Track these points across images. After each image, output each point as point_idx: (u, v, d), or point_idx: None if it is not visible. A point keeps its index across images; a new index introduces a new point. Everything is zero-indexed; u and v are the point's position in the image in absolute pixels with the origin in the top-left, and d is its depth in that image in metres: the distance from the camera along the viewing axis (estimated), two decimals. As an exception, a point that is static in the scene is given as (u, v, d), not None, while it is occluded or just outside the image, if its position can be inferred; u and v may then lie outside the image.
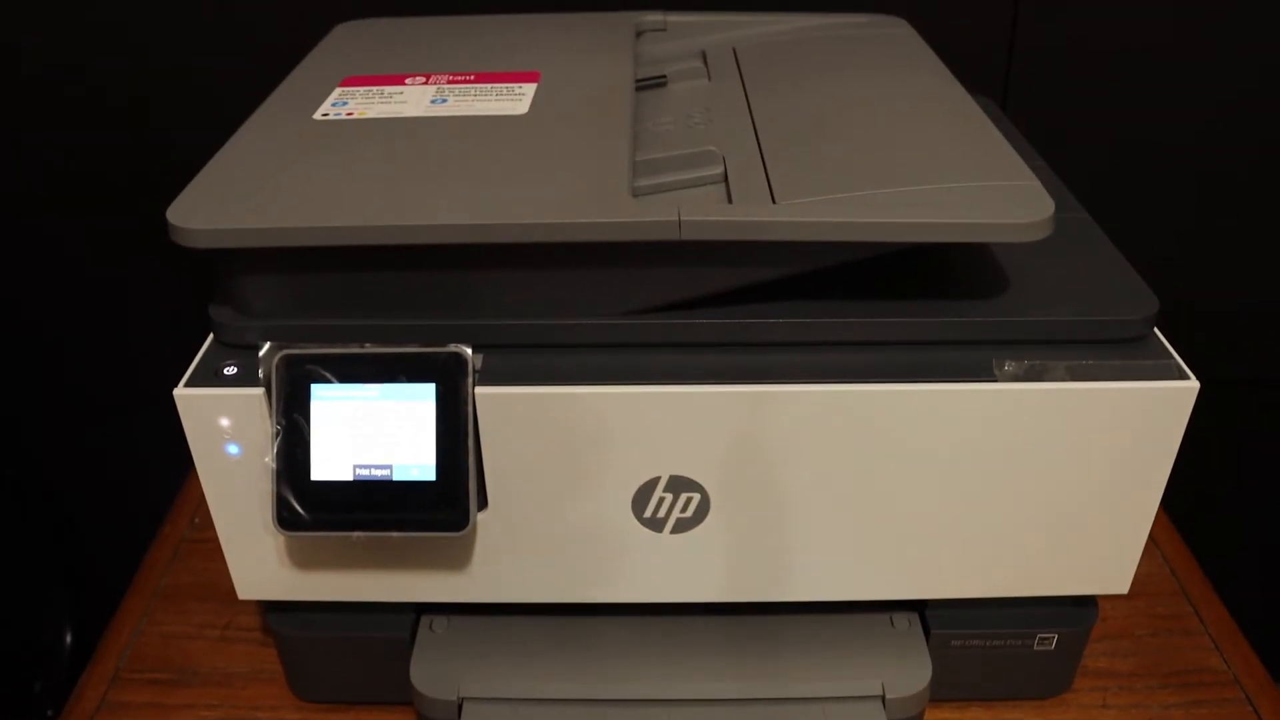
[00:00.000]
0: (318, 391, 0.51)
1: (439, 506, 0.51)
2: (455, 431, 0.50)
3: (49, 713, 1.00)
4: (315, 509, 0.51)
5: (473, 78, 0.64)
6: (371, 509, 0.51)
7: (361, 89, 0.63)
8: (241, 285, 0.52)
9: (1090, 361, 0.51)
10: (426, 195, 0.51)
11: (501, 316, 0.52)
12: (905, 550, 0.56)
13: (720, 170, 0.56)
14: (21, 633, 1.04)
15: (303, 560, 0.56)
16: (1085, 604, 0.61)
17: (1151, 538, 0.72)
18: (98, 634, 0.71)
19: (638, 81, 0.66)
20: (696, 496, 0.53)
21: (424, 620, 0.62)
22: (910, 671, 0.59)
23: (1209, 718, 0.64)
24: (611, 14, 0.77)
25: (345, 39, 0.73)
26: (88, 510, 1.20)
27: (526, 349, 0.52)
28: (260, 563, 0.56)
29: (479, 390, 0.50)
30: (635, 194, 0.52)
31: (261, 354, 0.51)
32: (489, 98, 0.61)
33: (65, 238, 1.02)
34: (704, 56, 0.73)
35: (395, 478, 0.51)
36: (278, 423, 0.51)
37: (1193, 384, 0.50)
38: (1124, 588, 0.58)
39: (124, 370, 1.07)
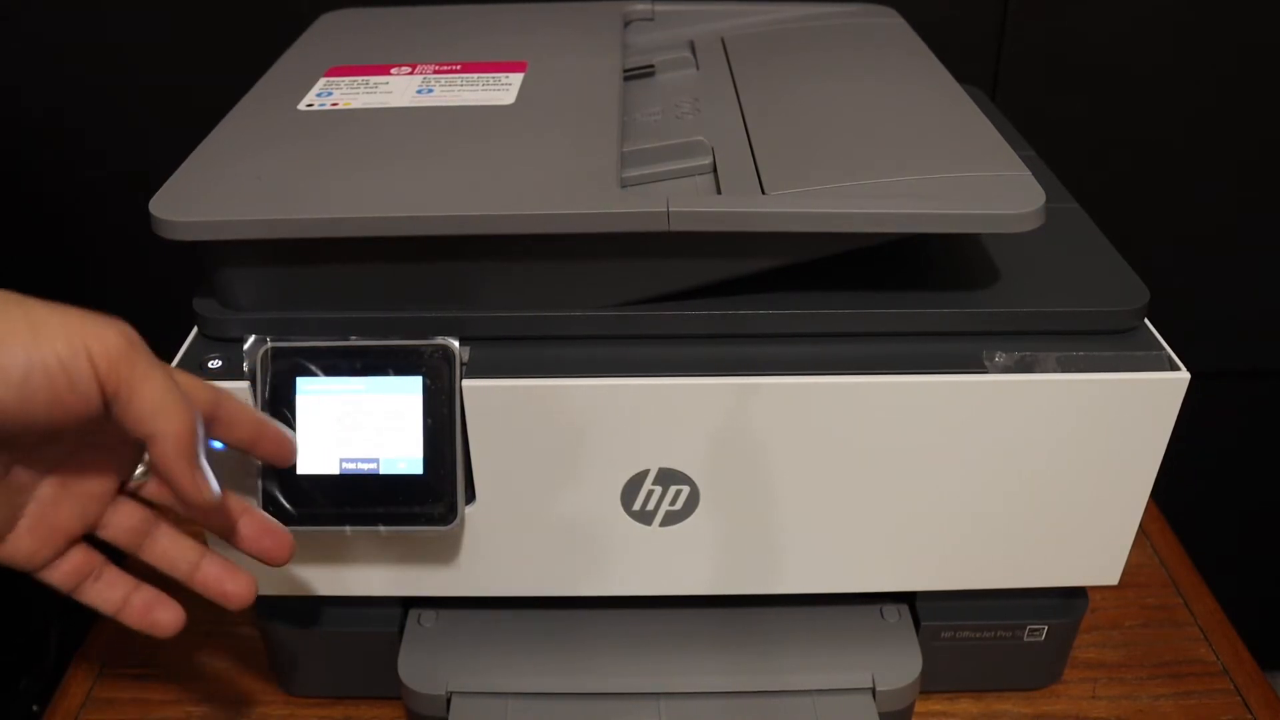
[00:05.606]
0: (303, 385, 0.50)
1: (426, 500, 0.51)
2: (442, 425, 0.50)
3: (34, 708, 1.00)
4: (301, 504, 0.51)
5: (459, 68, 0.63)
6: (358, 503, 0.51)
7: (346, 79, 0.62)
8: (225, 278, 0.51)
9: (1081, 352, 0.51)
10: (413, 187, 0.50)
11: (488, 309, 0.51)
12: (895, 542, 0.55)
13: (709, 161, 0.56)
14: (6, 628, 1.03)
15: (289, 555, 0.56)
16: (1075, 595, 0.61)
17: (1141, 529, 0.72)
18: (84, 629, 0.70)
19: (625, 71, 0.66)
20: (686, 489, 0.53)
21: (412, 614, 0.61)
22: (900, 663, 0.59)
23: (1198, 708, 0.64)
24: (599, 3, 0.76)
25: (330, 29, 0.73)
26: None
27: (514, 341, 0.52)
28: (246, 558, 0.56)
29: (466, 383, 0.50)
30: (623, 185, 0.52)
31: (246, 347, 0.50)
32: (475, 88, 0.60)
33: (45, 231, 1.01)
34: (692, 46, 0.72)
35: (382, 471, 0.51)
36: (263, 416, 0.50)
37: (1183, 375, 0.50)
38: (1114, 579, 0.58)
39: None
